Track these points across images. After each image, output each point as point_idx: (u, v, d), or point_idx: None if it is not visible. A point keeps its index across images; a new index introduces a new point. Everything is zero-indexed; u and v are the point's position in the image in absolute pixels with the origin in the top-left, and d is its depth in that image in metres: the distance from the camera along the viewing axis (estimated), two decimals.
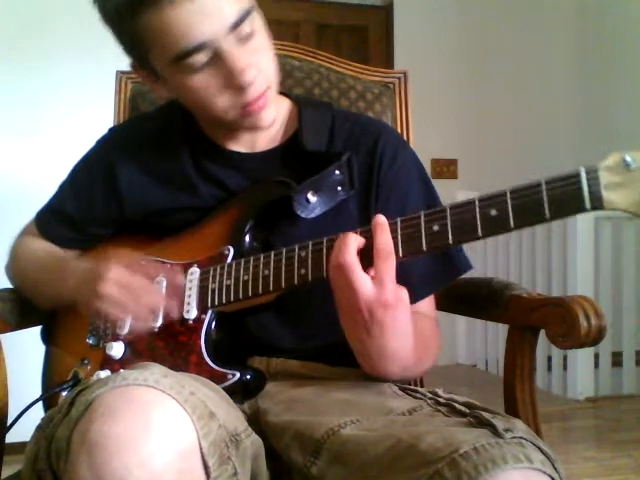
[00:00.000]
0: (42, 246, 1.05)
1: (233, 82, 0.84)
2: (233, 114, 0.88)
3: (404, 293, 0.75)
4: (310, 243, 0.81)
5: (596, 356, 3.14)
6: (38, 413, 0.80)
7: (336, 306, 0.78)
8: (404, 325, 0.77)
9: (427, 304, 0.95)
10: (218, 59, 0.83)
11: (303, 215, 0.89)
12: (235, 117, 0.89)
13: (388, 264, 0.73)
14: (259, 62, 0.86)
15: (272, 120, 0.92)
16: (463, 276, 0.97)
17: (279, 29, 3.50)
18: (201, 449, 0.62)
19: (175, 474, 0.59)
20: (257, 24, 0.86)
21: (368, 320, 0.75)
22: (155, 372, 0.64)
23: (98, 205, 1.02)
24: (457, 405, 0.73)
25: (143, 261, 0.92)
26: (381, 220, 0.75)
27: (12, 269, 1.08)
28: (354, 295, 0.74)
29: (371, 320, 0.74)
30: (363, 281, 0.73)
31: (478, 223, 0.69)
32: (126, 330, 0.91)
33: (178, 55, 0.82)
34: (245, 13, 0.83)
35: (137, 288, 0.86)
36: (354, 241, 0.75)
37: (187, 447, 0.61)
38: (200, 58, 0.82)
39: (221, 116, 0.89)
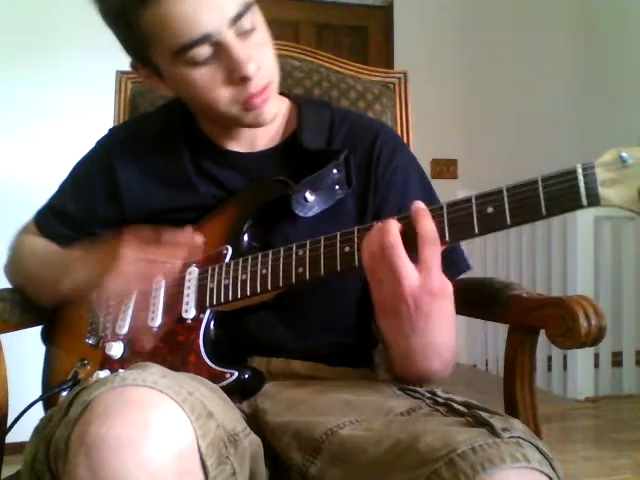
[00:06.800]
0: (42, 243, 1.05)
1: (235, 75, 0.84)
2: (235, 109, 0.88)
3: (449, 284, 0.72)
4: (308, 242, 0.81)
5: (596, 356, 3.13)
6: (38, 413, 0.80)
7: (375, 300, 0.74)
8: (449, 319, 0.73)
9: None
10: (220, 52, 0.83)
11: (301, 214, 0.89)
12: (237, 112, 0.89)
13: (433, 250, 0.69)
14: (261, 57, 0.86)
15: (273, 116, 0.92)
16: (463, 276, 0.97)
17: (279, 29, 3.47)
18: (199, 449, 0.62)
19: (173, 474, 0.59)
20: (258, 20, 0.86)
21: (413, 311, 0.70)
22: (153, 372, 0.64)
23: (98, 206, 1.02)
24: (455, 405, 0.73)
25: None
26: (422, 205, 0.71)
27: (12, 268, 1.08)
28: (398, 282, 0.69)
29: (416, 311, 0.70)
30: (408, 266, 0.69)
31: (475, 221, 0.69)
32: (126, 329, 0.91)
33: (180, 49, 0.83)
34: (245, 7, 0.83)
35: (153, 256, 0.87)
36: (396, 225, 0.71)
37: (185, 447, 0.61)
38: (202, 51, 0.83)
39: (223, 112, 0.89)
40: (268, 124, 0.92)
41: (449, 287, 0.72)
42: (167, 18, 0.81)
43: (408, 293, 0.69)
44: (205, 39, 0.82)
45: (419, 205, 0.72)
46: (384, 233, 0.70)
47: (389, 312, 0.73)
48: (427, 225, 0.70)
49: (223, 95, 0.86)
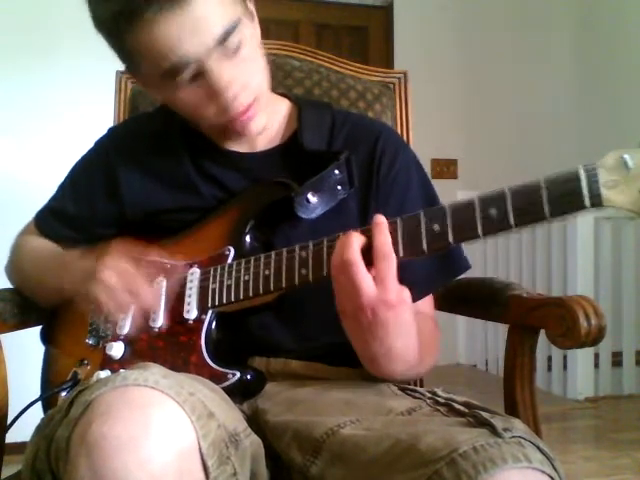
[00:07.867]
0: (43, 244, 1.06)
1: (216, 98, 0.86)
2: (223, 122, 0.90)
3: (406, 293, 0.75)
4: (311, 243, 0.81)
5: (596, 356, 3.14)
6: (38, 413, 0.80)
7: (338, 309, 0.77)
8: (408, 325, 0.76)
9: (426, 303, 0.95)
10: (202, 75, 0.84)
11: (304, 216, 0.90)
12: (224, 126, 0.91)
13: (388, 264, 0.73)
14: (247, 73, 0.87)
15: (262, 128, 0.93)
16: (463, 276, 0.97)
17: (279, 29, 3.50)
18: (200, 449, 0.62)
19: (174, 474, 0.59)
20: (246, 33, 0.86)
21: (372, 320, 0.74)
22: (155, 372, 0.64)
23: (99, 206, 1.02)
24: (456, 405, 0.73)
25: (144, 261, 0.92)
26: (380, 220, 0.75)
27: (12, 268, 1.08)
28: (357, 294, 0.73)
29: (374, 320, 0.74)
30: (366, 279, 0.73)
31: (478, 223, 0.69)
32: (126, 329, 0.91)
33: (164, 72, 0.84)
34: (232, 25, 0.83)
35: (135, 278, 0.86)
36: (357, 239, 0.74)
37: (186, 447, 0.61)
38: (186, 74, 0.84)
39: (212, 124, 0.91)
40: (257, 135, 0.94)
41: (407, 296, 0.75)
42: (154, 41, 0.81)
43: (366, 304, 0.73)
44: (189, 64, 0.83)
45: (377, 219, 0.75)
46: (345, 248, 0.74)
47: (350, 320, 0.76)
48: (381, 240, 0.73)
49: (208, 112, 0.88)
